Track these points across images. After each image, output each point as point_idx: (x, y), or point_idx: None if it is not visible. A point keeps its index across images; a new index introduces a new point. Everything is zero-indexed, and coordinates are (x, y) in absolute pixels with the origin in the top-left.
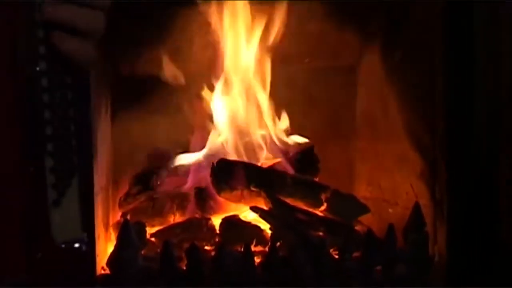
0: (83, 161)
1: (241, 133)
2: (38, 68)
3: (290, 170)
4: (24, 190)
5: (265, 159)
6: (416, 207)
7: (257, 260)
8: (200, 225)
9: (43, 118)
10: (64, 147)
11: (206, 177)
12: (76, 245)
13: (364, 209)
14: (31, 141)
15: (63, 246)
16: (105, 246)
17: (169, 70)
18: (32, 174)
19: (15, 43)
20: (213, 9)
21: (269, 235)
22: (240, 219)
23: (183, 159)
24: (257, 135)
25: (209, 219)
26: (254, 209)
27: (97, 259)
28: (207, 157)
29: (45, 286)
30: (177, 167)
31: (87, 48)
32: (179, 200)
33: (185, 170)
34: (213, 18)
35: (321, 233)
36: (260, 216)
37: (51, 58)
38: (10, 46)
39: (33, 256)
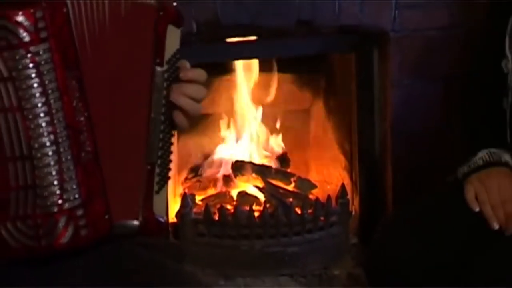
0: None
1: (248, 144)
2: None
3: (275, 165)
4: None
5: (261, 158)
6: (342, 185)
7: (256, 214)
8: (225, 195)
9: (158, 135)
10: (165, 162)
11: (229, 169)
12: (160, 218)
13: (314, 186)
14: (149, 152)
15: (155, 216)
16: (174, 207)
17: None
18: (149, 172)
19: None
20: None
21: (263, 201)
22: (247, 192)
23: (216, 160)
24: (256, 146)
25: (230, 192)
26: (255, 186)
27: (169, 214)
28: (230, 157)
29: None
30: (213, 163)
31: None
32: (214, 182)
33: (217, 165)
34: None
35: (291, 199)
36: (259, 190)
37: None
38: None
39: (143, 214)
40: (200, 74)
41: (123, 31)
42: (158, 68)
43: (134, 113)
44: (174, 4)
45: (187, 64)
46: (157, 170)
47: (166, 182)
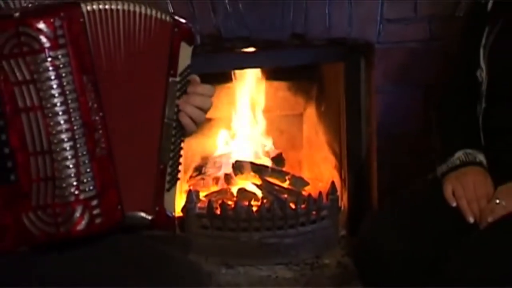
0: None
1: (247, 146)
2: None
3: (271, 165)
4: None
5: (258, 158)
6: (332, 183)
7: (254, 209)
8: (226, 192)
9: (171, 138)
10: (175, 163)
11: (229, 168)
12: (169, 214)
13: (306, 184)
14: (162, 153)
15: (166, 211)
16: (180, 202)
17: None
18: (161, 171)
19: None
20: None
21: (260, 197)
22: (246, 189)
23: (218, 159)
24: (255, 147)
25: (230, 189)
26: (253, 184)
27: (176, 209)
28: (230, 158)
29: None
30: (215, 163)
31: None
32: (216, 180)
33: (219, 164)
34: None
35: (285, 195)
36: (257, 187)
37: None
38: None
39: (155, 208)
40: (208, 89)
41: (139, 42)
42: (172, 79)
43: (149, 117)
44: (183, 21)
45: (197, 79)
46: (168, 170)
47: (176, 182)
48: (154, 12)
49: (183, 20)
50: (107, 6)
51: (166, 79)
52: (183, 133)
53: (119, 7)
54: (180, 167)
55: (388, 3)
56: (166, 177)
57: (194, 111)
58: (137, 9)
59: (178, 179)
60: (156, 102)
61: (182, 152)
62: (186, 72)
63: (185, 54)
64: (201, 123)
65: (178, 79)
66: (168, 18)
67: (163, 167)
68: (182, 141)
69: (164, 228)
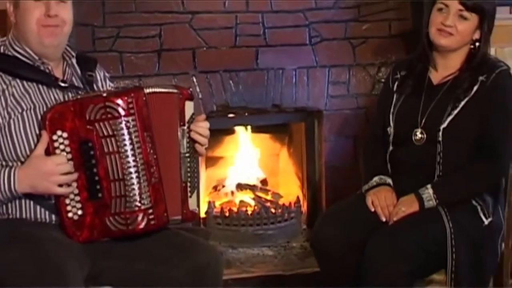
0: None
1: (245, 173)
2: (185, 146)
3: (259, 185)
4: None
5: (252, 181)
6: (297, 196)
7: (249, 212)
8: (232, 202)
9: (186, 165)
10: (192, 178)
11: (234, 187)
12: (194, 210)
13: (281, 197)
14: (182, 175)
15: (191, 209)
16: (203, 208)
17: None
18: (183, 188)
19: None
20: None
21: (253, 205)
22: (244, 200)
23: (227, 182)
24: (250, 174)
25: (234, 200)
26: (248, 197)
27: (200, 213)
28: (234, 181)
29: (187, 218)
30: (225, 184)
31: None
32: (226, 194)
33: (228, 185)
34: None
35: (268, 204)
36: (251, 199)
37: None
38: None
39: (183, 211)
40: (205, 123)
41: (164, 109)
42: (182, 128)
43: (173, 154)
44: (190, 89)
45: (202, 116)
46: (188, 184)
47: (195, 188)
48: (170, 89)
49: (184, 89)
50: (157, 90)
51: (178, 128)
52: (195, 156)
53: (162, 90)
54: (197, 178)
55: (331, 86)
56: (188, 188)
57: (199, 137)
58: (164, 89)
59: (197, 187)
60: (175, 143)
61: (198, 168)
62: (191, 118)
63: (189, 108)
64: (206, 145)
65: (186, 126)
66: (175, 90)
67: (185, 185)
68: (197, 160)
69: (192, 220)
